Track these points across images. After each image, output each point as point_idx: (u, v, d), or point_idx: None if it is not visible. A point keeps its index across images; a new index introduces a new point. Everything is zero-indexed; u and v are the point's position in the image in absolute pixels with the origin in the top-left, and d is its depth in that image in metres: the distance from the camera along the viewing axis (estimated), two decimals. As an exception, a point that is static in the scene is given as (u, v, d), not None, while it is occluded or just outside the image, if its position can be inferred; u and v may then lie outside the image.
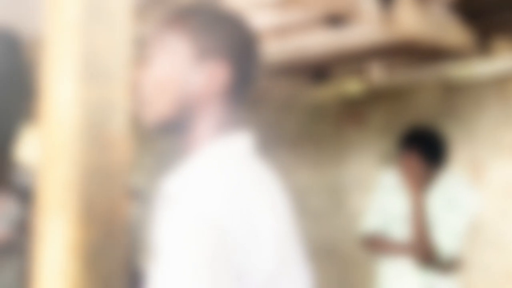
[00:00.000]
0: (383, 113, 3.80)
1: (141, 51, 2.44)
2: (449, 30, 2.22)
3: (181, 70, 1.11)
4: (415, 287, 2.82)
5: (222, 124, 1.19)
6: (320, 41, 2.43)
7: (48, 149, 0.54)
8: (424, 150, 2.76)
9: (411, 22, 2.04)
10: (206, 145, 1.18)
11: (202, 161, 1.16)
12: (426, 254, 2.75)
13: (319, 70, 3.25)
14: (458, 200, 2.76)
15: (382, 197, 2.96)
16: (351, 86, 3.75)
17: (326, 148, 4.18)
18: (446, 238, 2.73)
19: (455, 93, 3.44)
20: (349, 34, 2.22)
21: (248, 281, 1.11)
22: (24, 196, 1.12)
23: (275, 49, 2.40)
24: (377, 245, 2.93)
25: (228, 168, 1.15)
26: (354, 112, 4.00)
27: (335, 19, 1.91)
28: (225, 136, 1.19)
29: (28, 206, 1.11)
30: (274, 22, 2.02)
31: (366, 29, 2.09)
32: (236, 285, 1.08)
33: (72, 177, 0.53)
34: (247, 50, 1.19)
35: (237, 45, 1.17)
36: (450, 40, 2.24)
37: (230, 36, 1.17)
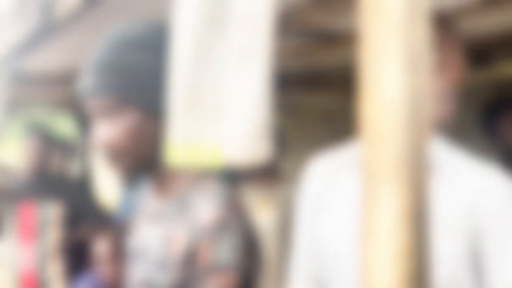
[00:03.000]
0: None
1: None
2: None
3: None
4: None
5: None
6: (491, 22, 2.37)
7: (375, 129, 0.64)
8: None
9: None
10: None
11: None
12: None
13: (479, 53, 3.15)
14: None
15: None
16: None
17: (470, 140, 4.02)
18: None
19: None
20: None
21: None
22: (223, 175, 1.23)
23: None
24: None
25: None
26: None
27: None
28: None
29: (230, 183, 1.23)
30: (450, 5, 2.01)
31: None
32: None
33: (399, 153, 0.62)
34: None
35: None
36: None
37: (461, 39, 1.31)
